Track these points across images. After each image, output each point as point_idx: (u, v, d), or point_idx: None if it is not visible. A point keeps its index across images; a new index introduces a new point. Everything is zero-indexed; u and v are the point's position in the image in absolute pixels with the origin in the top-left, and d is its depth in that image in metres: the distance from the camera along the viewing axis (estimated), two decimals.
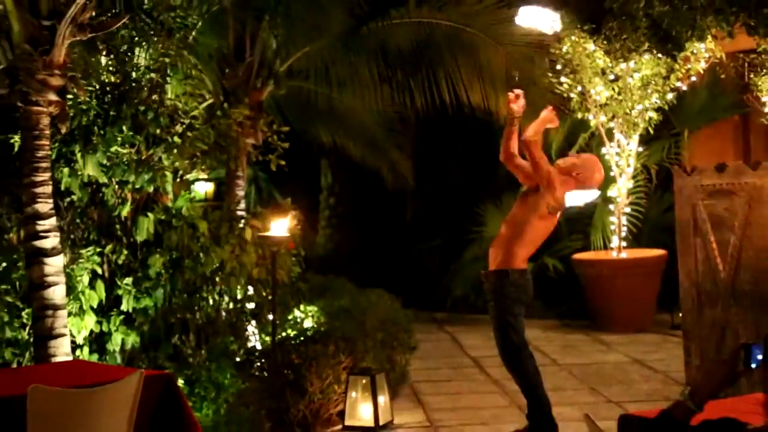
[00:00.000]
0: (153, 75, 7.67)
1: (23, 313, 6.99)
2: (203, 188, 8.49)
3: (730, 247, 7.48)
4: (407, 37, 9.91)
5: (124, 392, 4.75)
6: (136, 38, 7.64)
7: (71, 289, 7.05)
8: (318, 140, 12.71)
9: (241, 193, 9.14)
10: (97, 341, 7.34)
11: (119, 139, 7.41)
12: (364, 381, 7.43)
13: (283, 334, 7.92)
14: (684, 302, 7.70)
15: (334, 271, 11.89)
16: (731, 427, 2.72)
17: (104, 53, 7.53)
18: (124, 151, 7.42)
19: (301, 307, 8.83)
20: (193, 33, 8.04)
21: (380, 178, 13.65)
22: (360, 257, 14.39)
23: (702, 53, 11.05)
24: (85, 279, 7.26)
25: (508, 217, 6.80)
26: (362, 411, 7.42)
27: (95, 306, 7.26)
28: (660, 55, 10.05)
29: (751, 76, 9.25)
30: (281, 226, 7.32)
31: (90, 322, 7.20)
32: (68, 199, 7.53)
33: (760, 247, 7.37)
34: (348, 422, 7.42)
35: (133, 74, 7.60)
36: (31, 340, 6.78)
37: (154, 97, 7.58)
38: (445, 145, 13.93)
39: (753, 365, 2.90)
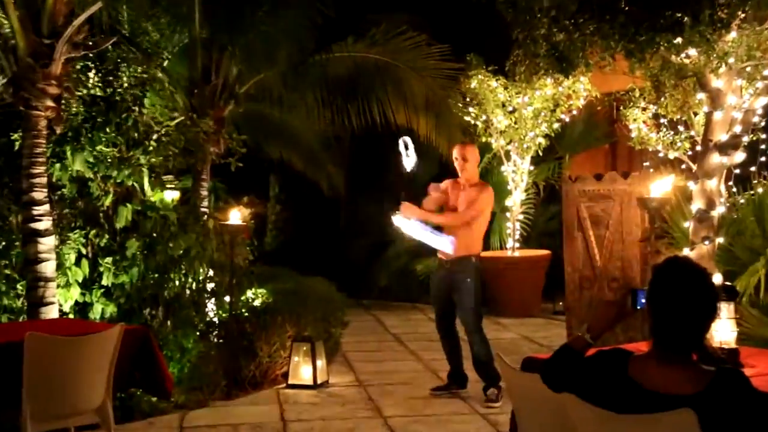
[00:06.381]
0: (134, 90, 7.61)
1: (18, 285, 6.91)
2: (170, 195, 8.36)
3: (605, 241, 7.65)
4: (345, 69, 9.94)
5: (107, 341, 4.69)
6: (120, 60, 7.58)
7: (60, 266, 7.01)
8: (268, 156, 12.69)
9: (204, 192, 9.03)
10: (81, 311, 7.27)
11: (104, 140, 7.34)
12: (305, 347, 7.41)
13: (237, 313, 7.85)
14: (568, 285, 7.82)
15: (279, 265, 11.82)
16: (619, 355, 2.76)
17: (95, 71, 7.44)
18: (108, 150, 7.33)
19: (253, 289, 8.75)
20: (168, 56, 7.96)
21: (319, 188, 13.67)
22: (301, 255, 14.32)
23: (581, 92, 11.32)
24: (72, 258, 7.22)
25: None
26: (303, 372, 7.39)
27: (80, 280, 7.21)
28: (553, 80, 10.10)
29: (621, 108, 9.45)
30: (238, 215, 7.29)
31: (75, 293, 7.17)
32: (59, 193, 7.42)
33: (628, 241, 7.57)
34: (291, 381, 7.39)
35: (118, 89, 7.53)
36: (25, 308, 6.68)
37: (134, 107, 7.51)
38: (373, 159, 13.96)
39: (638, 307, 2.97)
